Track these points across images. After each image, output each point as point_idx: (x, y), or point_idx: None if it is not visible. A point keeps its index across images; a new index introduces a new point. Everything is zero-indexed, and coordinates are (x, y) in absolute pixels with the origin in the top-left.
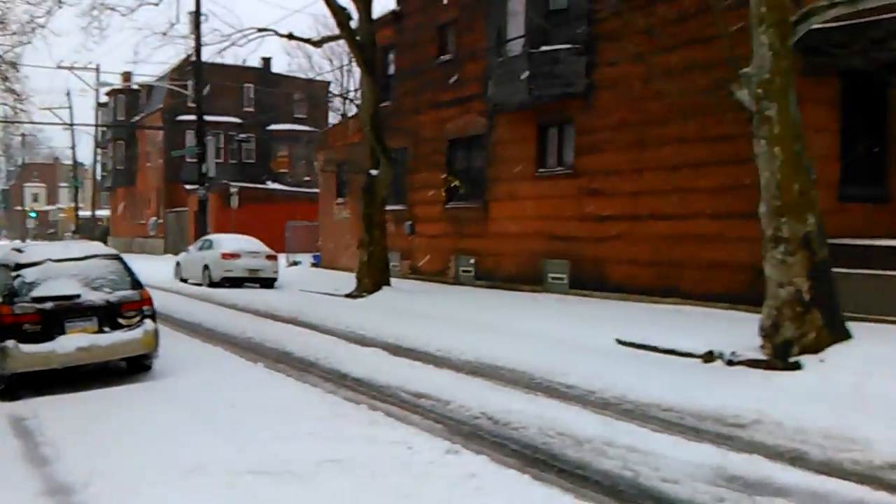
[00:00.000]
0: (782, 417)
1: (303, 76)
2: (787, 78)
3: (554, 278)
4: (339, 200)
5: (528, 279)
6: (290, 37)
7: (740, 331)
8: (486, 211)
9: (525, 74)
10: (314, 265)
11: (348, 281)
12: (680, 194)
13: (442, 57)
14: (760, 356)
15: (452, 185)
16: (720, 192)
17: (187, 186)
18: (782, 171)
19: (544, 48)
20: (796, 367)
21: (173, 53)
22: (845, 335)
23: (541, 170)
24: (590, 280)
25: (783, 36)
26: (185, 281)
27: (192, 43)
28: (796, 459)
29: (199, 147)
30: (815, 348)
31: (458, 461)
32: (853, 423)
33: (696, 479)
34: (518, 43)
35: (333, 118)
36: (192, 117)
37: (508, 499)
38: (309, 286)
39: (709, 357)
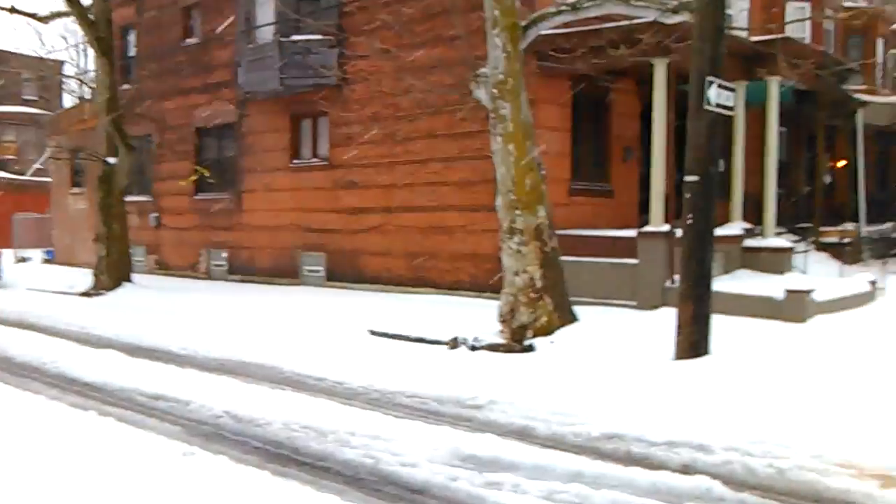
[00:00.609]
0: (515, 397)
1: (33, 54)
2: (519, 79)
3: (310, 271)
4: (75, 190)
5: (283, 272)
6: (13, 10)
7: (484, 317)
8: (239, 203)
9: (276, 63)
10: (47, 261)
11: (86, 278)
12: (431, 188)
13: (189, 40)
14: (500, 340)
15: (201, 175)
16: (467, 186)
17: None
18: (516, 167)
19: (295, 37)
20: (530, 349)
21: None
22: (572, 318)
23: (296, 161)
24: (346, 272)
25: (514, 39)
26: None
27: None
28: (526, 435)
29: None
30: (547, 331)
31: (195, 463)
32: (575, 397)
33: (433, 461)
34: (269, 30)
35: (69, 101)
36: None
37: (244, 497)
38: (39, 284)
39: (453, 343)
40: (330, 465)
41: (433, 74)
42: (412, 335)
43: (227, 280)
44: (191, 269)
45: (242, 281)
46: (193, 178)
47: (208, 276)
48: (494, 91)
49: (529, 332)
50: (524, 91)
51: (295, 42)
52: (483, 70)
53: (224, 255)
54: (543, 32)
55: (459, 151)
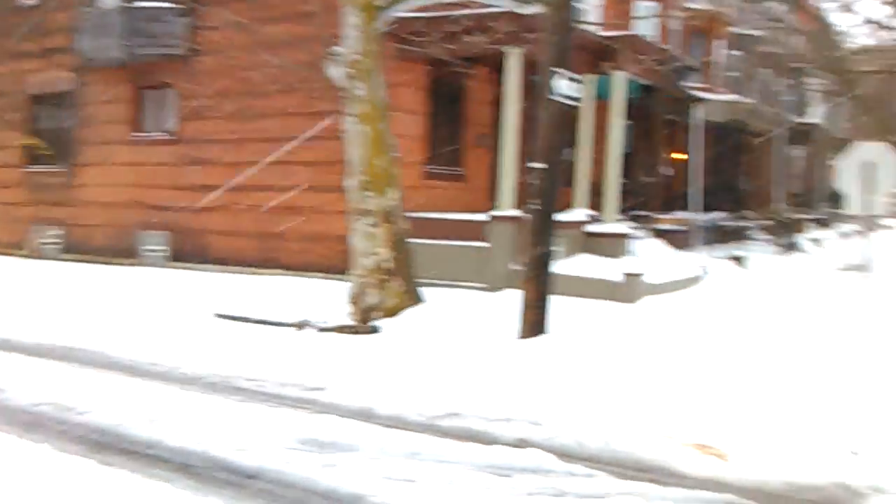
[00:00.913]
0: (358, 378)
1: None
2: (375, 60)
3: (152, 250)
4: None
5: (123, 252)
6: None
7: (335, 299)
8: (75, 177)
9: (120, 30)
10: None
11: None
12: (283, 167)
13: (24, 1)
14: (348, 322)
15: (33, 146)
16: (320, 166)
17: None
18: (368, 148)
19: (141, 3)
20: (378, 330)
21: None
22: (422, 299)
23: (139, 134)
24: (191, 252)
25: (370, 19)
26: None
27: None
28: (368, 416)
29: None
30: (396, 312)
31: (11, 455)
32: (419, 377)
33: (271, 445)
34: None
35: None
36: None
37: (68, 487)
38: None
39: (301, 325)
40: (159, 452)
41: (288, 50)
42: (259, 318)
43: (59, 259)
44: (17, 247)
45: (77, 260)
46: (25, 146)
47: (38, 254)
48: (349, 70)
49: (378, 314)
50: (380, 72)
51: (140, 9)
52: (337, 49)
53: (57, 232)
54: (401, 15)
55: (313, 131)
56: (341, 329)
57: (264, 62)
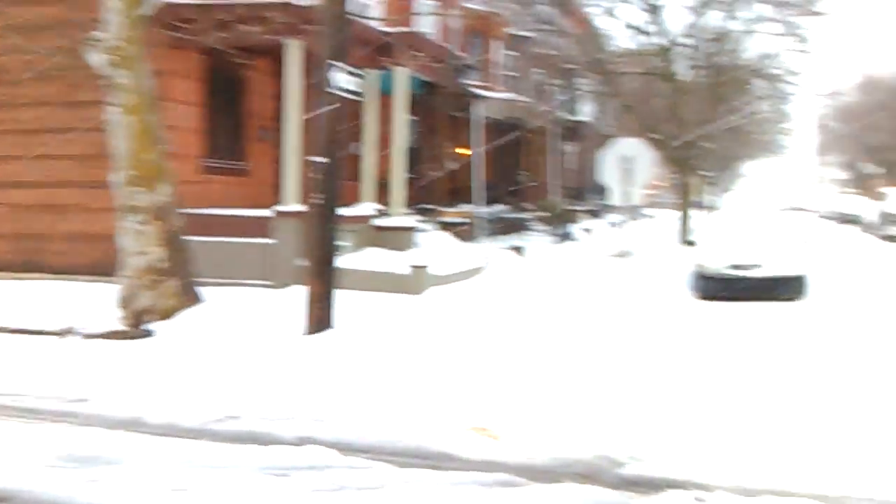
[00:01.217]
0: (126, 386)
1: None
2: (139, 47)
3: None
4: None
5: None
6: None
7: (104, 303)
8: None
9: None
10: None
11: None
12: (41, 161)
13: None
14: (118, 327)
15: None
16: (86, 160)
17: None
18: (136, 141)
19: None
20: (151, 334)
21: None
22: (200, 300)
23: None
24: None
25: (133, 4)
26: None
27: None
28: (136, 426)
29: None
30: (170, 314)
31: None
32: (195, 381)
33: (24, 463)
34: None
35: None
36: None
37: None
38: None
39: (64, 333)
40: None
41: (43, 35)
42: (15, 326)
43: None
44: None
45: None
46: None
47: None
48: (111, 57)
49: (152, 317)
50: (145, 60)
51: None
52: (97, 34)
53: None
54: (168, 1)
55: (77, 122)
56: (110, 335)
57: (15, 46)
